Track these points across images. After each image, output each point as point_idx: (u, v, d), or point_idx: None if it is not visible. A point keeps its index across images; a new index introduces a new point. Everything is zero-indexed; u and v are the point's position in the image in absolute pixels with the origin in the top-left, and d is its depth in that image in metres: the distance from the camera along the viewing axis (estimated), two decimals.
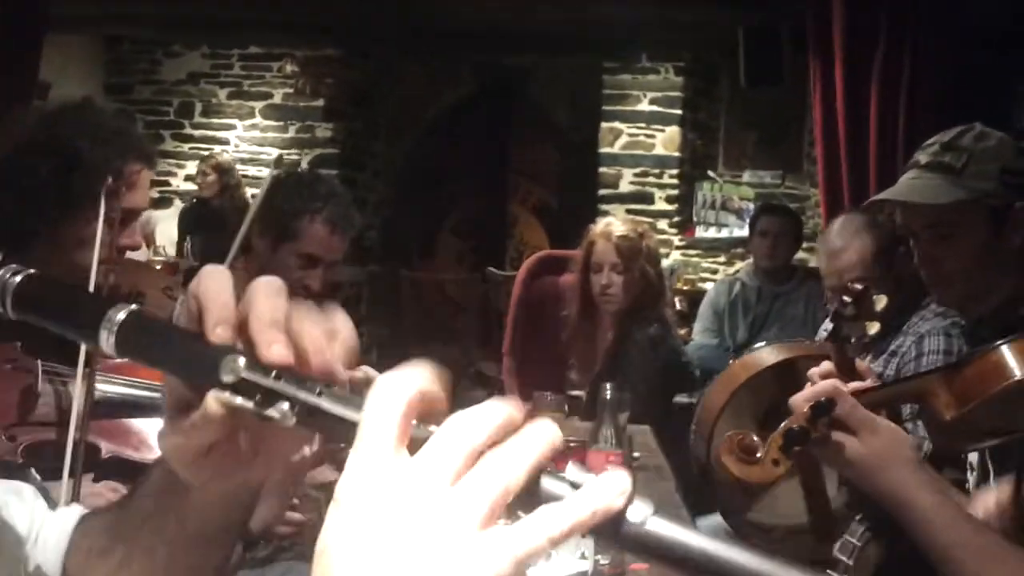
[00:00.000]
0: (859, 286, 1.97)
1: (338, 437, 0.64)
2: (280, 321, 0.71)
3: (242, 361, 0.68)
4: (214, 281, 0.73)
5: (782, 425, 1.60)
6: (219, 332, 0.71)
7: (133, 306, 0.72)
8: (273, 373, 0.67)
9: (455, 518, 0.55)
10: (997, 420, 1.65)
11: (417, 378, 0.60)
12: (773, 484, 1.62)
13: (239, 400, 0.67)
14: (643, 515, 0.57)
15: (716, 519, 3.27)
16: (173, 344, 0.72)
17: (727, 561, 0.56)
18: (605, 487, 0.57)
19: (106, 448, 1.70)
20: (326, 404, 0.65)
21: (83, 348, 1.62)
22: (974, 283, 2.16)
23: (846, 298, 1.95)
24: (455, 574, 0.54)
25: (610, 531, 0.57)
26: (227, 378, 0.68)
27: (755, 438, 1.62)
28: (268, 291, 0.73)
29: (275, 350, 0.69)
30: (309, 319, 0.73)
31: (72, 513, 0.96)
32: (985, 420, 1.63)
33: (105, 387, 1.90)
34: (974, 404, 1.60)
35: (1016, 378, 1.57)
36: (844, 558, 1.63)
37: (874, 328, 1.97)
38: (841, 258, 3.17)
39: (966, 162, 2.11)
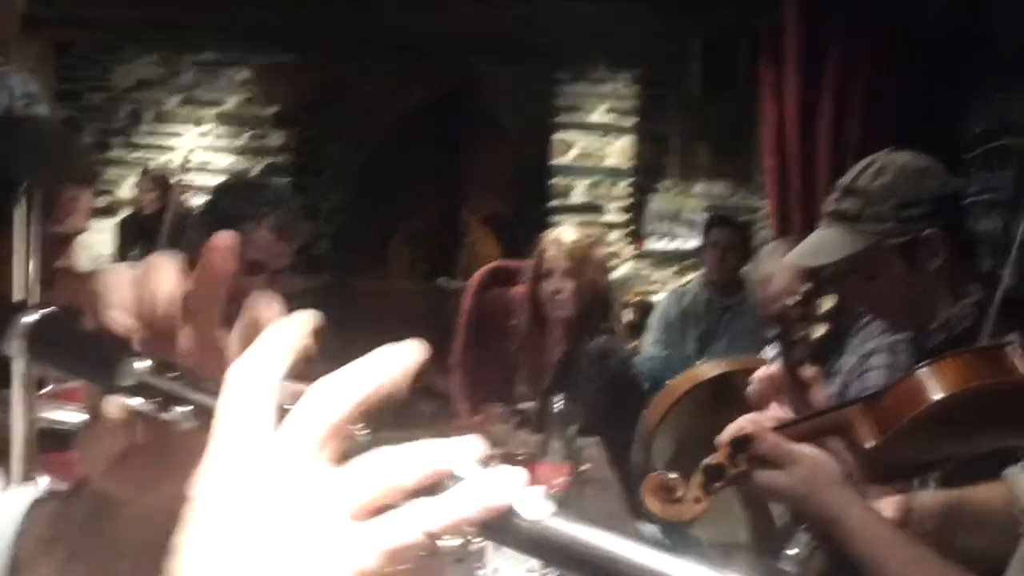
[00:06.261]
0: (805, 287, 1.99)
1: None
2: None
3: (139, 363, 0.65)
4: (110, 272, 0.71)
5: (702, 462, 1.61)
6: (114, 316, 0.68)
7: (50, 308, 0.70)
8: (174, 375, 0.65)
9: (320, 504, 0.52)
10: (920, 447, 1.64)
11: (282, 348, 0.58)
12: (697, 519, 1.62)
13: (136, 402, 0.65)
14: (541, 513, 0.52)
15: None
16: (78, 346, 0.70)
17: (631, 563, 0.51)
18: (494, 480, 0.52)
19: (45, 482, 1.65)
20: None
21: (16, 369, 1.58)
22: (907, 309, 2.18)
23: (791, 300, 1.96)
24: (313, 566, 0.50)
25: (501, 528, 0.52)
26: (125, 381, 0.66)
27: (674, 476, 1.62)
28: (161, 264, 0.70)
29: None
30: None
31: (27, 494, 0.92)
32: (907, 447, 1.61)
33: (48, 415, 1.86)
34: (893, 431, 1.57)
35: (933, 400, 1.55)
36: (790, 569, 1.63)
37: (820, 331, 1.98)
38: (769, 287, 3.21)
39: (862, 207, 2.13)
